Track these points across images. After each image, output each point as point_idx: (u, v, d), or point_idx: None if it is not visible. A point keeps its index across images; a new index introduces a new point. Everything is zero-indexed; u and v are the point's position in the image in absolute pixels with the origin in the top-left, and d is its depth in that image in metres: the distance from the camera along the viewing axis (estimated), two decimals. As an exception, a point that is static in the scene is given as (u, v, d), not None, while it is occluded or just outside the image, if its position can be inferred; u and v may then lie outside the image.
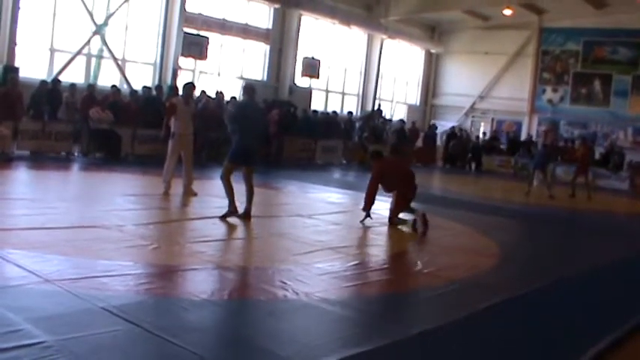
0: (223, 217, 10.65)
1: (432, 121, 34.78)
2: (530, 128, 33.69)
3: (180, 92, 13.24)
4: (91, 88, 19.35)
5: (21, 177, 14.57)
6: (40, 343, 4.78)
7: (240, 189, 10.93)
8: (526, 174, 22.33)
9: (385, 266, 8.58)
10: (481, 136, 33.36)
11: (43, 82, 18.53)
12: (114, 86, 20.24)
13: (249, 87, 11.53)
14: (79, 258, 7.43)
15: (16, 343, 4.72)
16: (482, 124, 35.31)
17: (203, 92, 21.43)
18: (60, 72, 20.71)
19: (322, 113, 27.27)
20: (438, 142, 32.12)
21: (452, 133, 31.64)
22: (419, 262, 8.94)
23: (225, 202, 10.82)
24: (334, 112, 28.45)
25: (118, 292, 6.24)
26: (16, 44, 19.45)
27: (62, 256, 7.38)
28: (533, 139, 31.80)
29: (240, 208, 10.90)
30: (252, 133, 10.96)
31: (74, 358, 4.61)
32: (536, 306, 7.54)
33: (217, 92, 22.03)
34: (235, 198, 10.78)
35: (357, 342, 5.58)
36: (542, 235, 13.69)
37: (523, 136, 32.79)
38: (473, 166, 30.67)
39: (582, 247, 12.30)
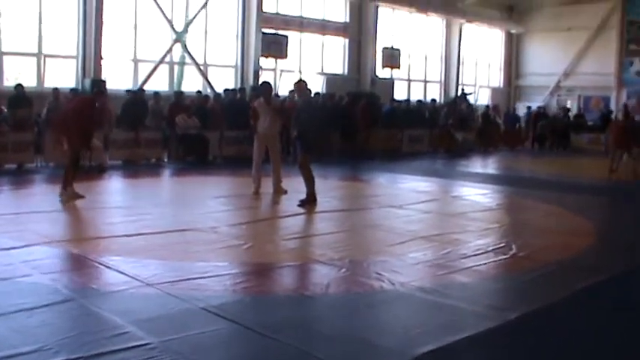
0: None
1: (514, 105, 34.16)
2: (619, 103, 32.64)
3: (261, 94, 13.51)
4: (178, 95, 19.74)
5: (115, 186, 14.95)
6: (145, 344, 4.93)
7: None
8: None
9: (479, 252, 8.49)
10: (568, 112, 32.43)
11: (133, 91, 19.01)
12: (199, 92, 20.57)
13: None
14: (176, 261, 7.62)
15: (123, 345, 4.89)
16: (569, 101, 34.41)
17: (291, 92, 21.61)
18: (145, 81, 21.17)
19: (405, 101, 27.02)
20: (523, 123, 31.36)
21: (540, 113, 30.90)
22: (513, 246, 8.83)
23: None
24: (419, 100, 28.25)
25: (217, 292, 6.36)
26: (102, 58, 19.94)
27: (160, 260, 7.59)
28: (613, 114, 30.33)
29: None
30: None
31: (178, 357, 4.74)
32: (637, 285, 7.36)
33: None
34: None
35: (456, 329, 5.56)
36: (638, 212, 13.34)
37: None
38: (561, 146, 29.94)
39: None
